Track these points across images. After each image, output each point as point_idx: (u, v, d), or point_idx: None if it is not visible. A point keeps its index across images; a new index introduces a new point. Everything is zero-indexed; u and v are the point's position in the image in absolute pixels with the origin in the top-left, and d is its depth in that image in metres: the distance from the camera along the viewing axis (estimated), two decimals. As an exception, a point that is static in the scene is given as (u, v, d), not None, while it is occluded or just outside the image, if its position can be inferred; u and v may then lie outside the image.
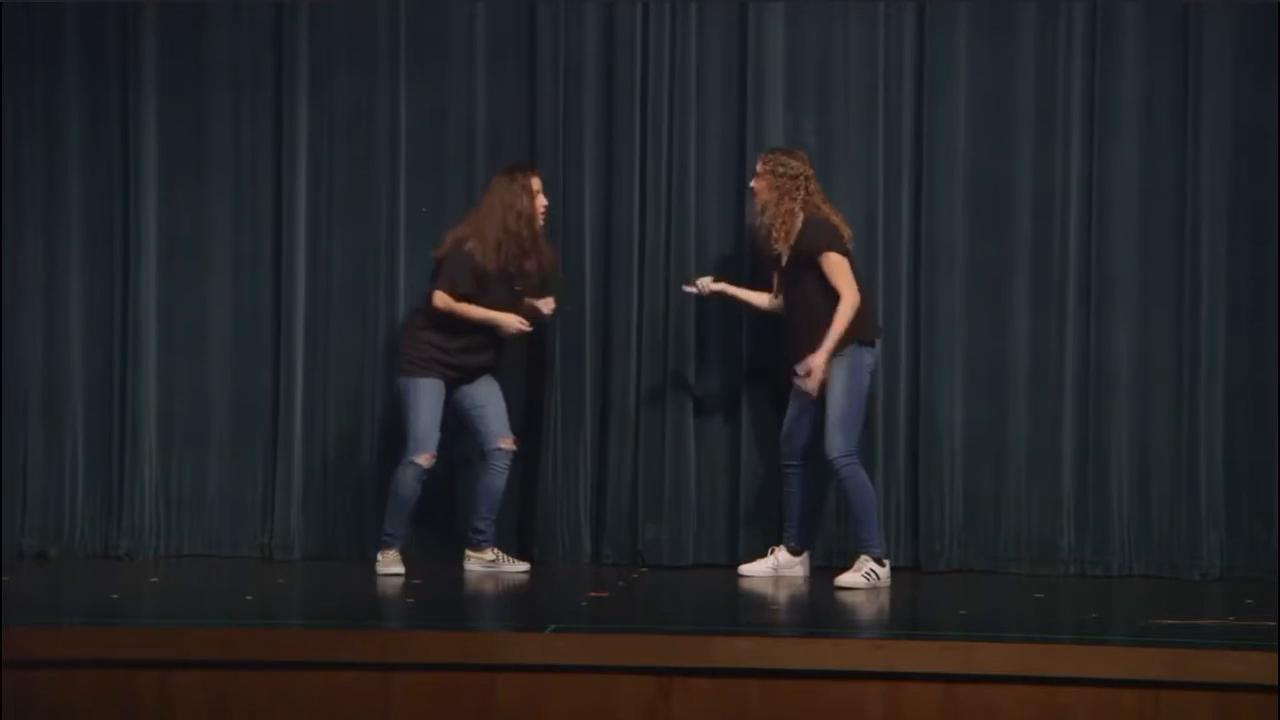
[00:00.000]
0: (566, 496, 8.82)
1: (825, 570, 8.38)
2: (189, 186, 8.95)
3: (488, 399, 8.47)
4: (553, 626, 6.81)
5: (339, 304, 8.93)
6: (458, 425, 8.52)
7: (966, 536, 8.66)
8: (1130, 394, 8.62)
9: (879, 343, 8.34)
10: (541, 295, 8.54)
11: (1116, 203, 8.61)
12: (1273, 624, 6.99)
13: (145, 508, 8.89)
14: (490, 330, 8.38)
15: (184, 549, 8.92)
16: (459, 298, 8.31)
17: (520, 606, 7.99)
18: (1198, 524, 8.54)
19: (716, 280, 8.44)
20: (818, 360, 8.08)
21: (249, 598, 7.62)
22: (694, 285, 8.45)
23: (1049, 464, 8.63)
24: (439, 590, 8.08)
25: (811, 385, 8.10)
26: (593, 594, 8.04)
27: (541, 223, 8.41)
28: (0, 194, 8.90)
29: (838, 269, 8.10)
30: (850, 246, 8.24)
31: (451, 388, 8.41)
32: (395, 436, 8.85)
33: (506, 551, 8.58)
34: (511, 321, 8.36)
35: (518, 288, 8.42)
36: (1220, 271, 8.55)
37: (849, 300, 8.08)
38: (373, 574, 8.42)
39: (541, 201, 8.40)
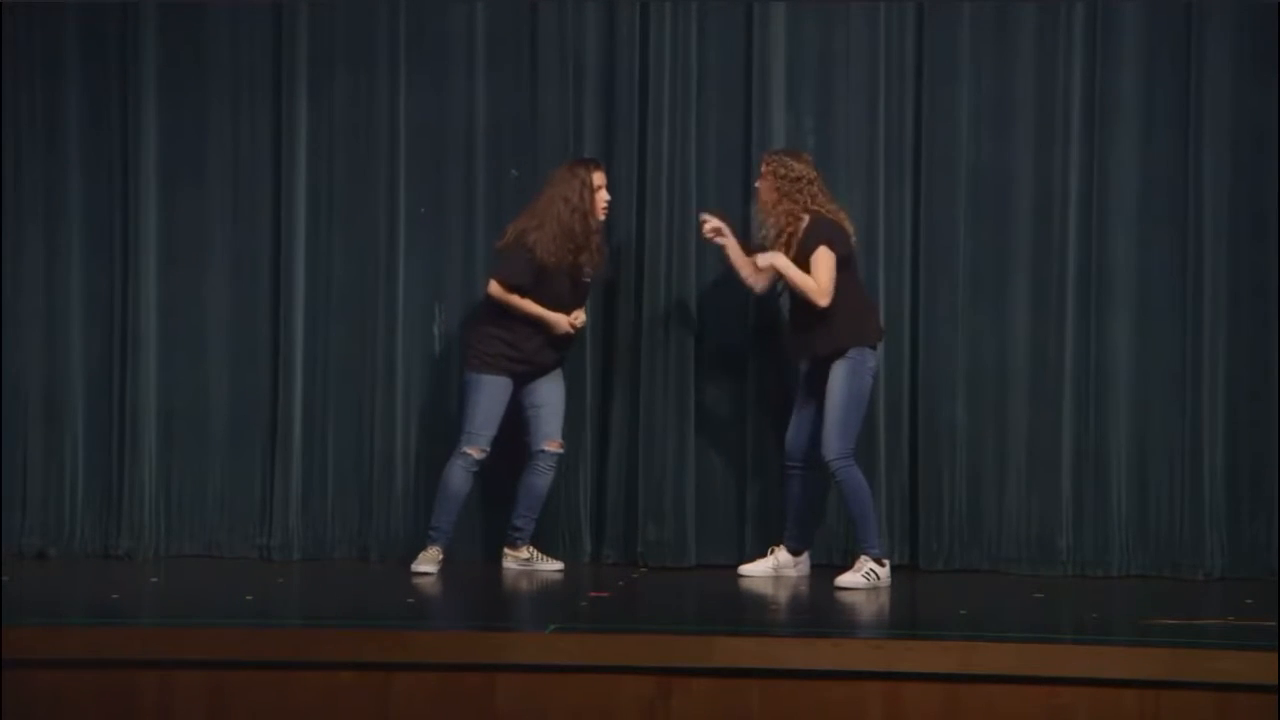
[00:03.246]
0: (566, 496, 8.82)
1: (826, 570, 8.38)
2: (189, 186, 8.94)
3: (547, 399, 8.46)
4: (553, 626, 6.81)
5: (338, 304, 8.93)
6: (517, 421, 8.53)
7: (966, 536, 8.66)
8: (1130, 394, 8.62)
9: (881, 346, 8.33)
10: (587, 297, 8.52)
11: (1116, 203, 8.61)
12: (1273, 624, 6.98)
13: (145, 508, 8.88)
14: (557, 336, 8.37)
15: (184, 549, 8.92)
16: (512, 289, 8.30)
17: (520, 606, 7.99)
18: (1198, 524, 8.54)
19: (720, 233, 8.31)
20: (783, 265, 8.09)
21: (249, 598, 7.61)
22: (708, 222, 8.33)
23: (1049, 464, 8.63)
24: (441, 590, 8.08)
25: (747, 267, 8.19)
26: (593, 594, 8.04)
27: (603, 218, 8.41)
28: (0, 194, 8.90)
29: (821, 263, 8.07)
30: (854, 246, 8.24)
31: (519, 384, 8.40)
32: (396, 435, 8.87)
33: (541, 550, 8.63)
34: (561, 322, 8.34)
35: (586, 278, 8.41)
36: (1220, 271, 8.55)
37: (816, 290, 8.04)
38: (372, 574, 8.44)
39: (603, 196, 8.39)
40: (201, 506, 8.93)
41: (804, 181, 8.15)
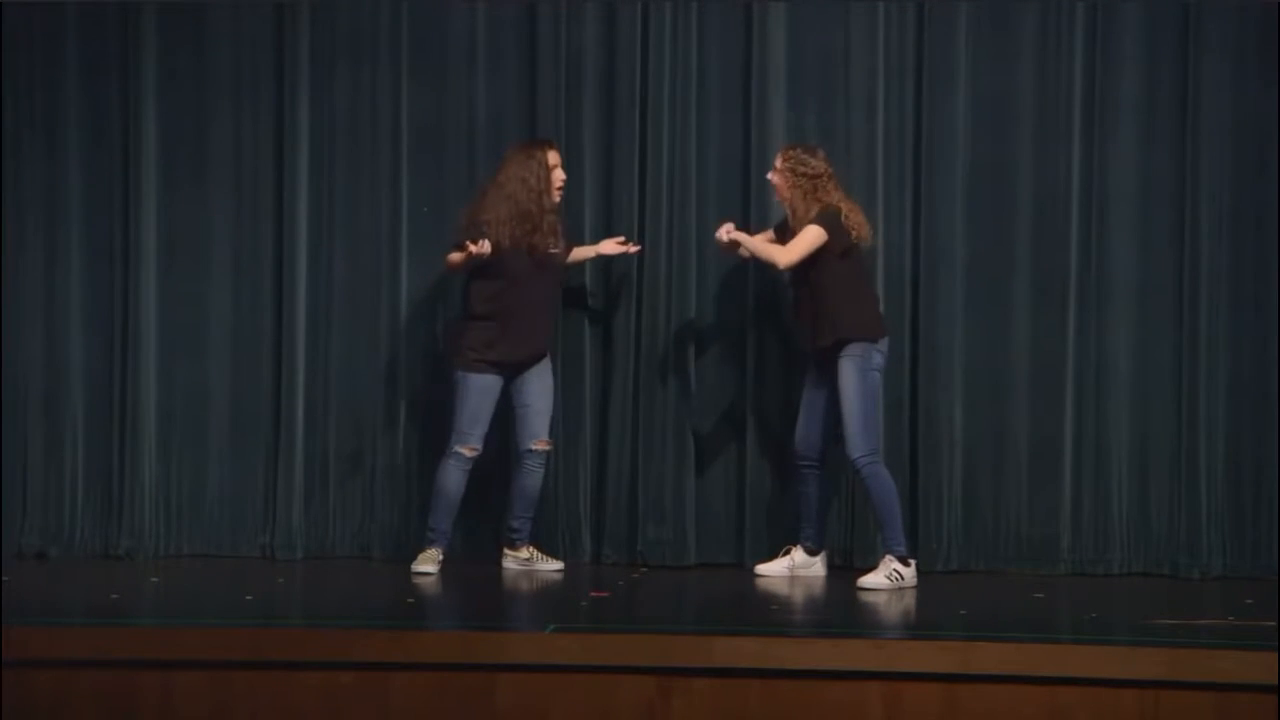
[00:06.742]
0: (566, 496, 8.83)
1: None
2: (189, 186, 8.95)
3: (536, 398, 8.45)
4: (553, 626, 6.81)
5: (340, 303, 8.93)
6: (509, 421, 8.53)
7: (966, 536, 8.66)
8: (1130, 394, 8.62)
9: (887, 341, 8.30)
10: (560, 273, 8.50)
11: (1116, 203, 8.61)
12: (1273, 624, 6.99)
13: (145, 508, 8.89)
14: (531, 318, 8.32)
15: (184, 549, 8.92)
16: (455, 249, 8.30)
17: (520, 606, 7.99)
18: (1198, 523, 8.54)
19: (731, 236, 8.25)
20: (742, 236, 8.21)
21: (249, 598, 7.62)
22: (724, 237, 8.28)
23: (1049, 464, 8.63)
24: (441, 590, 8.09)
25: (725, 240, 8.18)
26: (593, 594, 8.04)
27: (557, 199, 8.39)
28: (0, 194, 8.90)
29: (804, 236, 8.08)
30: (864, 243, 8.23)
31: (508, 380, 8.40)
32: (398, 434, 8.88)
33: (541, 550, 8.62)
34: (454, 256, 8.27)
35: (553, 248, 8.33)
36: (1220, 271, 8.56)
37: (783, 256, 8.09)
38: (372, 574, 8.44)
39: (559, 176, 8.37)
40: (202, 506, 8.93)
41: (823, 178, 8.17)
